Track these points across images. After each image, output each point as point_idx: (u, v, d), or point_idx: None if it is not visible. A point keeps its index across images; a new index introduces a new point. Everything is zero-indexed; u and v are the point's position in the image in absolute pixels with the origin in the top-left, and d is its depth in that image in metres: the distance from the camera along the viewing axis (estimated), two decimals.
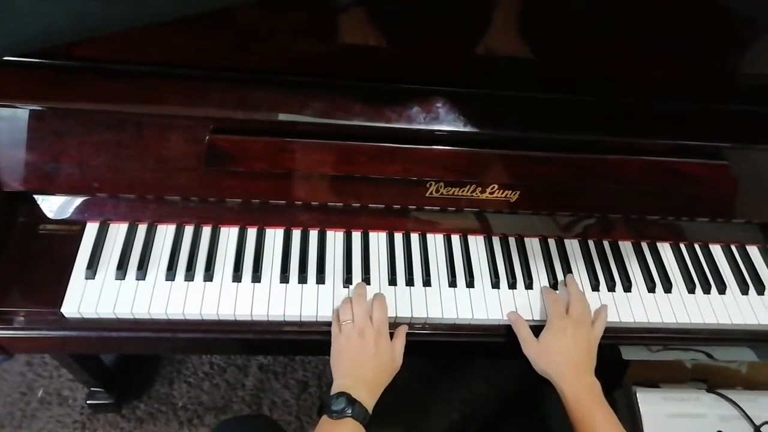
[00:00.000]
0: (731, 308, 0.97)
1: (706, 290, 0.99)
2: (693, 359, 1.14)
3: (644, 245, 1.03)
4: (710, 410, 1.06)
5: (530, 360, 0.88)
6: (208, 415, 1.40)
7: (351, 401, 0.77)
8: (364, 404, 0.78)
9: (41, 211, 0.92)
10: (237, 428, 0.92)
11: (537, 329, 0.91)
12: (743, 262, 1.03)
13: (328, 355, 0.86)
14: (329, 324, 0.89)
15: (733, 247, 1.05)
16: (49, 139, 0.85)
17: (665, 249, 1.03)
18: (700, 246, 1.04)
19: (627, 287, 0.98)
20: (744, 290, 0.99)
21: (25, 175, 0.86)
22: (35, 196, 0.91)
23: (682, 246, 1.04)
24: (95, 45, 0.80)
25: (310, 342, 0.92)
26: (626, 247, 1.03)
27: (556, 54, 0.86)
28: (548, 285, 0.96)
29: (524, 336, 0.89)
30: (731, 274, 1.02)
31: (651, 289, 0.98)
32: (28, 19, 0.62)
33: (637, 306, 0.96)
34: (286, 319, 0.89)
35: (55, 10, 0.61)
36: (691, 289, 0.99)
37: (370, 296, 0.90)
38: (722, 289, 0.99)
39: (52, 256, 0.90)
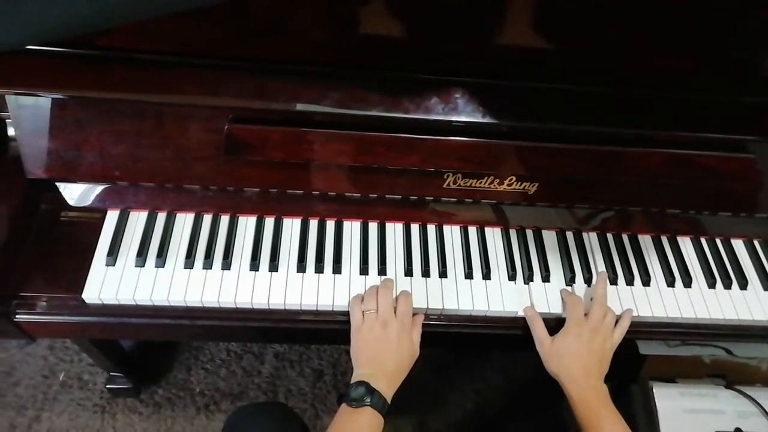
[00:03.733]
0: (752, 304, 0.96)
1: (727, 285, 0.97)
2: (711, 355, 1.13)
3: (664, 239, 1.02)
4: (728, 406, 1.05)
5: (542, 359, 0.89)
6: (225, 401, 1.42)
7: (370, 390, 0.78)
8: (384, 394, 0.79)
9: (63, 198, 0.93)
10: (253, 414, 0.93)
11: (552, 321, 0.91)
12: (766, 258, 1.01)
13: (344, 344, 0.87)
14: (345, 313, 0.89)
15: (755, 242, 1.03)
16: (71, 127, 0.86)
17: (685, 243, 1.02)
18: (721, 240, 1.03)
19: (646, 281, 0.97)
20: (766, 286, 0.98)
21: (47, 163, 0.88)
22: (57, 184, 0.93)
23: (703, 240, 1.02)
24: (116, 34, 0.81)
25: (325, 331, 0.93)
26: (645, 240, 1.02)
27: (576, 44, 0.85)
28: (565, 278, 0.96)
29: (539, 334, 0.89)
30: (753, 269, 1.00)
31: (670, 283, 0.97)
32: (50, 9, 0.63)
33: (655, 300, 0.95)
34: (303, 307, 0.90)
35: (77, 1, 0.62)
36: (712, 284, 0.97)
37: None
38: (744, 284, 0.97)
39: (73, 243, 0.91)
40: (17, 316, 0.87)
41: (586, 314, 0.89)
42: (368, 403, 0.77)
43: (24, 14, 0.64)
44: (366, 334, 0.84)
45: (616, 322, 0.90)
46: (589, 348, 0.85)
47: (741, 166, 0.92)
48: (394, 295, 0.89)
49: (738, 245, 1.03)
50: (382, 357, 0.83)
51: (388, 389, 0.80)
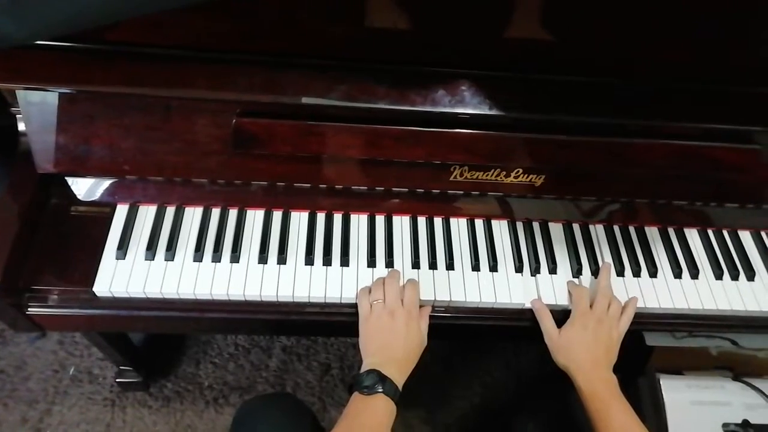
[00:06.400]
0: (760, 295, 0.96)
1: (734, 276, 0.97)
2: (718, 346, 1.13)
3: (671, 231, 1.02)
4: (735, 398, 1.05)
5: (550, 351, 0.89)
6: (233, 395, 1.43)
7: (382, 378, 0.78)
8: (395, 381, 0.79)
9: (73, 193, 0.94)
10: (263, 407, 0.93)
11: (560, 314, 0.91)
12: None
13: (352, 336, 0.87)
14: (353, 305, 0.90)
15: (763, 234, 1.03)
16: (80, 122, 0.86)
17: (692, 235, 1.02)
18: (728, 232, 1.03)
19: (653, 273, 0.97)
20: None
21: (57, 158, 0.88)
22: (67, 178, 0.93)
23: (710, 232, 1.02)
24: (125, 29, 0.81)
25: (333, 323, 0.93)
26: (652, 232, 1.02)
27: (582, 36, 0.85)
28: (572, 270, 0.96)
29: (546, 327, 0.89)
30: (761, 260, 1.00)
31: (677, 275, 0.97)
32: (60, 3, 0.63)
33: (662, 292, 0.95)
34: (311, 300, 0.91)
35: None
36: (719, 276, 0.97)
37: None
38: (751, 275, 0.97)
39: (83, 237, 0.92)
40: (29, 309, 0.88)
41: (591, 306, 0.89)
42: (380, 391, 0.77)
43: (34, 8, 0.65)
44: (374, 323, 0.85)
45: (622, 311, 0.90)
46: (596, 338, 0.85)
47: (748, 158, 0.91)
48: (401, 286, 0.89)
49: (745, 236, 1.03)
50: (391, 345, 0.83)
51: (398, 377, 0.81)
